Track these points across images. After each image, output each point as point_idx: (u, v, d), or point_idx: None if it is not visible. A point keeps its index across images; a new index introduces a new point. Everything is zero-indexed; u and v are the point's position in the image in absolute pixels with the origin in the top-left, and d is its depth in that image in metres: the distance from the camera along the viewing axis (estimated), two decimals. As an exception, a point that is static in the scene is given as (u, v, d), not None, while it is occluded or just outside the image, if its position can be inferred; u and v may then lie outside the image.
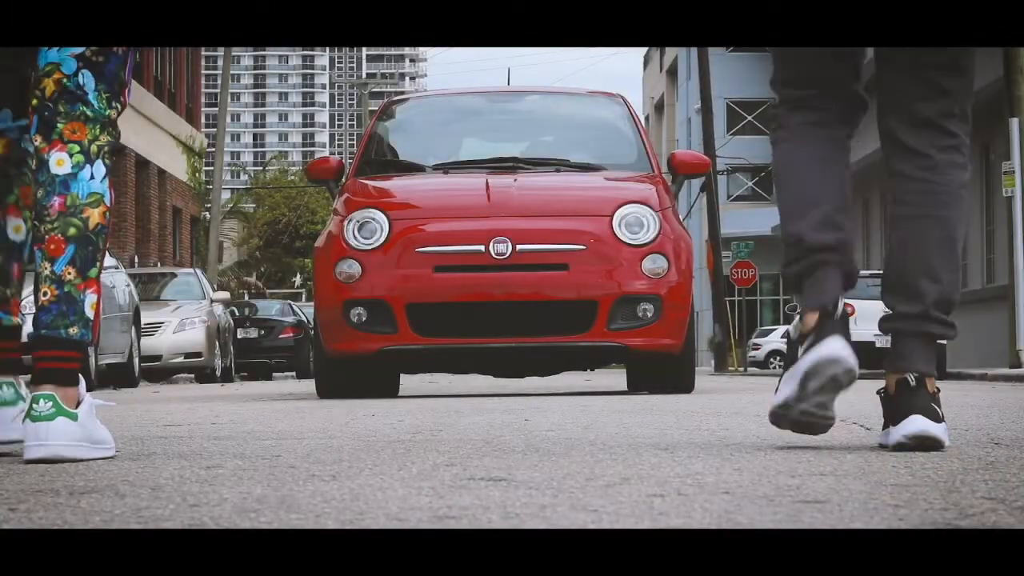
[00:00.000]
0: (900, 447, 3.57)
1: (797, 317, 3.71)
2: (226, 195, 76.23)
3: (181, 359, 23.55)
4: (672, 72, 70.79)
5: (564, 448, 3.89)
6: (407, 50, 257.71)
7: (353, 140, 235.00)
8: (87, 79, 3.65)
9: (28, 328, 3.69)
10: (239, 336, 30.72)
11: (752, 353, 46.50)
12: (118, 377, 18.38)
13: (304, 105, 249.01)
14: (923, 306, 3.70)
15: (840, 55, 3.85)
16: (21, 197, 3.81)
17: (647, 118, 74.13)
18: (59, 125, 3.62)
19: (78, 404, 3.53)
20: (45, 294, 3.60)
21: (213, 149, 44.39)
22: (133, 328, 18.80)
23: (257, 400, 10.02)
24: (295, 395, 11.46)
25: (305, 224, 77.42)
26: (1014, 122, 22.47)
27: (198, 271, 27.46)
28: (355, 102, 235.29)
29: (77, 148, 3.61)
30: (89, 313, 3.61)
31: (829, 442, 4.03)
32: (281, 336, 32.99)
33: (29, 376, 3.65)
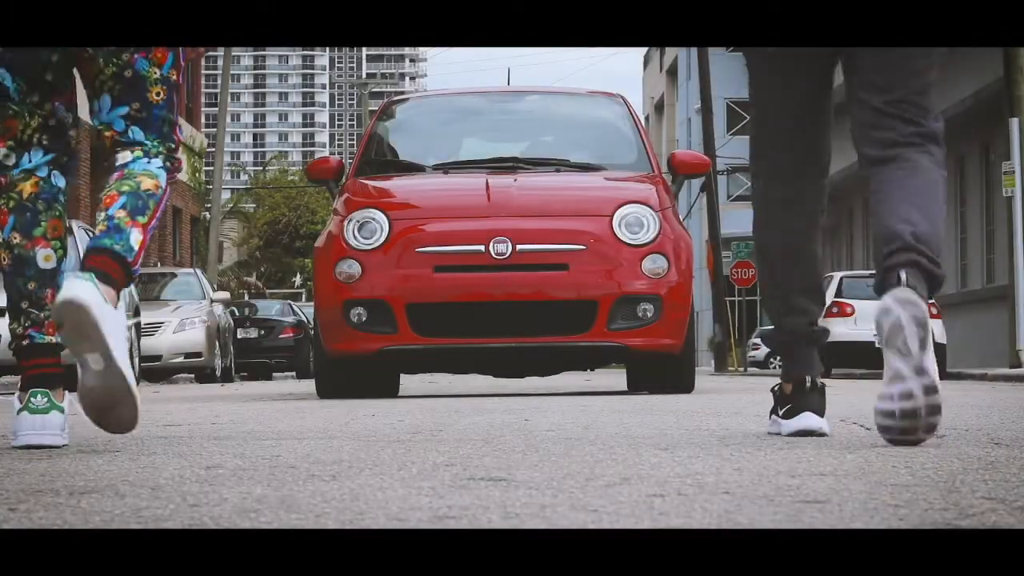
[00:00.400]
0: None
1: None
2: (226, 195, 76.18)
3: (181, 359, 23.54)
4: (672, 72, 70.79)
5: (564, 448, 3.89)
6: (407, 50, 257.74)
7: (353, 140, 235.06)
8: (136, 133, 4.19)
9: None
10: (239, 336, 30.72)
11: (752, 353, 46.50)
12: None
13: (304, 105, 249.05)
14: (928, 251, 3.91)
15: (815, 122, 4.21)
16: (49, 230, 4.18)
17: (647, 118, 74.13)
18: (119, 149, 4.18)
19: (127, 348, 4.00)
20: (98, 230, 3.99)
21: (213, 149, 44.38)
22: (133, 328, 18.81)
23: (257, 400, 10.02)
24: (295, 395, 11.46)
25: (305, 224, 77.42)
26: (1014, 122, 22.47)
27: (198, 271, 27.46)
28: (355, 102, 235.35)
29: (142, 152, 4.17)
30: (134, 244, 3.98)
31: (829, 442, 4.03)
32: (281, 336, 32.99)
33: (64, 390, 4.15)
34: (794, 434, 4.20)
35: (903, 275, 3.85)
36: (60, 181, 4.23)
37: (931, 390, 3.77)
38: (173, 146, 4.23)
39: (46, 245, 4.20)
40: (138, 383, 19.05)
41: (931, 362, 3.79)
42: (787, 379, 4.24)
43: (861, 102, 4.09)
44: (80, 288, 3.76)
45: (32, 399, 4.05)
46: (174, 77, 4.26)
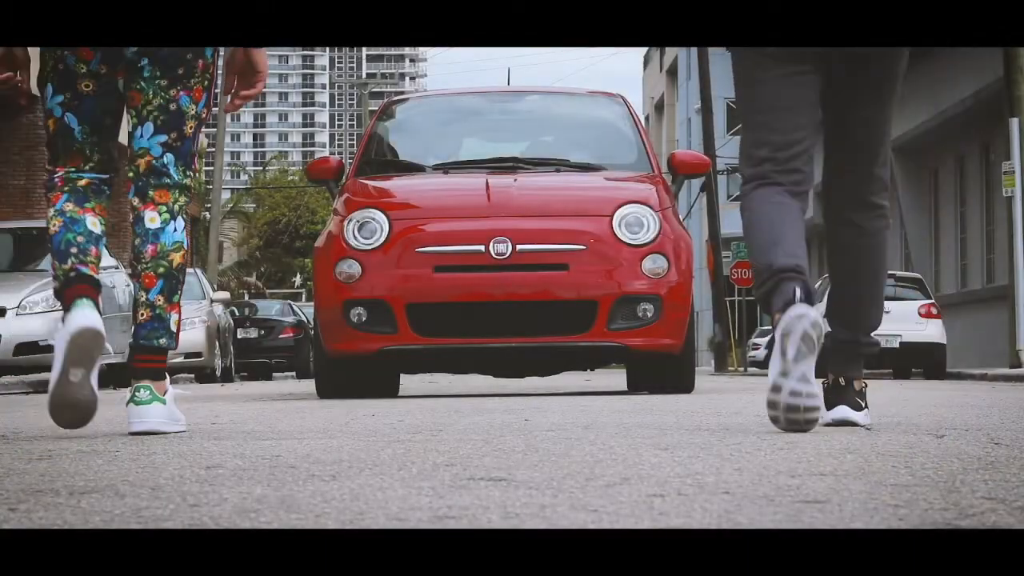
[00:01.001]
0: (827, 425, 4.83)
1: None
2: (226, 195, 76.18)
3: (181, 359, 23.54)
4: (672, 72, 70.79)
5: (564, 448, 3.89)
6: (407, 50, 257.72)
7: (353, 140, 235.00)
8: (169, 159, 4.94)
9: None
10: (239, 336, 30.72)
11: (752, 353, 46.48)
12: (119, 377, 18.37)
13: (304, 105, 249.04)
14: (858, 333, 5.00)
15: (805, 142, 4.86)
16: (97, 208, 4.98)
17: (647, 118, 74.12)
18: (150, 192, 4.93)
19: (165, 392, 4.93)
20: (142, 315, 4.97)
21: (213, 149, 44.26)
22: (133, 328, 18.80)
23: (257, 400, 10.02)
24: (295, 395, 11.46)
25: (305, 224, 77.43)
26: (1014, 122, 22.47)
27: (198, 271, 27.45)
28: (355, 102, 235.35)
29: (164, 208, 4.93)
30: (173, 328, 4.99)
31: (829, 442, 4.03)
32: (281, 336, 32.99)
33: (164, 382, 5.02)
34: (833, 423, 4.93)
35: (838, 358, 5.01)
36: (107, 189, 5.04)
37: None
38: (192, 178, 5.04)
39: (94, 214, 4.93)
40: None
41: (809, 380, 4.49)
42: (779, 310, 4.59)
43: (831, 176, 5.07)
44: (148, 415, 4.87)
45: (137, 392, 4.88)
46: (204, 115, 4.95)
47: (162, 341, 4.95)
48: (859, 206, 4.99)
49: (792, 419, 4.41)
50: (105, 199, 5.00)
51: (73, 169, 4.96)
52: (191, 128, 4.93)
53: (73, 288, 4.75)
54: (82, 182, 4.97)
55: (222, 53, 4.96)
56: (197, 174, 5.08)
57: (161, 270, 4.93)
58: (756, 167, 4.80)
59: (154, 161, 4.92)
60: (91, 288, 4.78)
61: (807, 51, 4.59)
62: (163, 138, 4.91)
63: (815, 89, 4.75)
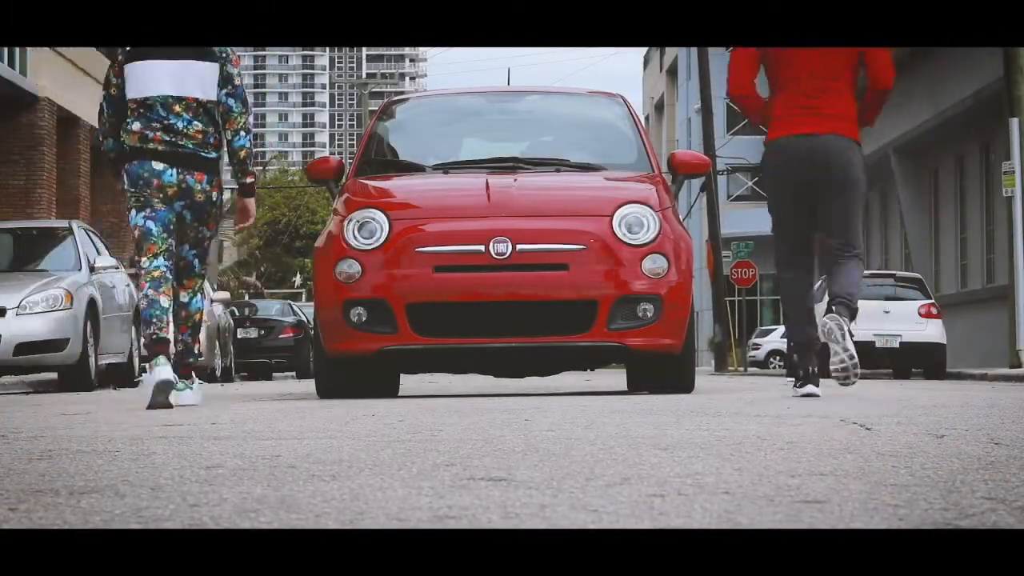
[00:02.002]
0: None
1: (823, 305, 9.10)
2: (226, 195, 76.14)
3: (181, 359, 23.51)
4: (672, 72, 70.80)
5: (564, 448, 3.89)
6: (407, 50, 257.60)
7: (353, 140, 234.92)
8: (195, 262, 8.69)
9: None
10: (239, 336, 30.72)
11: (752, 353, 46.50)
12: (118, 377, 18.37)
13: (304, 105, 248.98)
14: (851, 301, 8.62)
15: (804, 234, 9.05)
16: (167, 291, 8.34)
17: (647, 118, 74.12)
18: (184, 280, 8.66)
19: (195, 383, 8.61)
20: (179, 347, 8.63)
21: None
22: (133, 328, 18.80)
23: (257, 400, 10.02)
24: (295, 395, 11.46)
25: (305, 224, 77.40)
26: (1014, 122, 22.48)
27: (198, 271, 27.40)
28: (355, 102, 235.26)
29: (191, 290, 8.71)
30: (196, 351, 8.75)
31: (829, 442, 4.03)
32: (281, 336, 32.98)
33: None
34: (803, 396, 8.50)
35: (834, 308, 8.52)
36: (170, 274, 8.35)
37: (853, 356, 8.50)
38: (206, 269, 8.92)
39: (167, 296, 8.29)
40: (138, 383, 19.05)
41: (850, 344, 8.47)
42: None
43: (824, 239, 8.83)
44: (184, 396, 8.43)
45: (177, 386, 8.18)
46: (214, 234, 8.80)
47: (190, 360, 8.72)
48: (841, 248, 8.83)
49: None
50: (169, 283, 8.31)
51: (151, 258, 8.31)
52: (207, 244, 8.75)
53: (155, 347, 8.09)
54: (156, 272, 8.30)
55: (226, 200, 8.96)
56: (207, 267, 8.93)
57: (190, 323, 8.73)
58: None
59: (187, 263, 8.66)
60: (165, 346, 8.11)
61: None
62: (193, 251, 8.67)
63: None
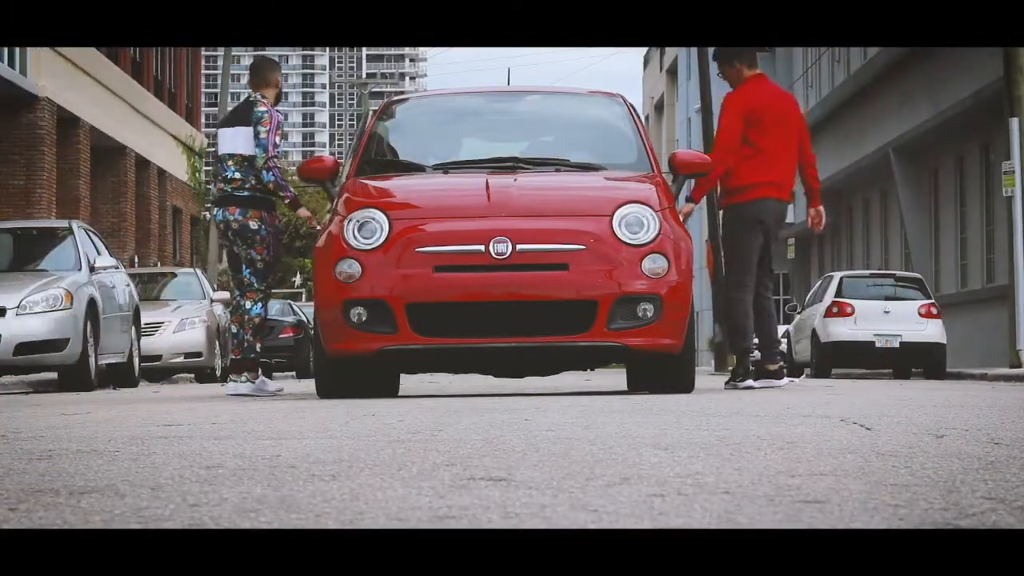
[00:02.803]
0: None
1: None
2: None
3: (181, 359, 23.55)
4: (672, 72, 70.79)
5: (564, 448, 3.89)
6: (407, 50, 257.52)
7: (353, 140, 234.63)
8: (252, 279, 11.65)
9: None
10: (239, 336, 30.64)
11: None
12: (118, 377, 18.37)
13: (304, 105, 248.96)
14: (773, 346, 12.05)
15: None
16: (240, 318, 11.65)
17: (647, 118, 74.10)
18: (247, 292, 11.64)
19: (257, 379, 11.52)
20: (243, 344, 11.69)
21: (213, 149, 44.25)
22: (133, 328, 18.81)
23: (257, 400, 10.01)
24: (295, 395, 11.46)
25: (305, 224, 77.40)
26: (1014, 122, 22.48)
27: (198, 271, 27.45)
28: (355, 102, 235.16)
29: (252, 300, 11.61)
30: (258, 348, 11.67)
31: (829, 442, 4.03)
32: (281, 336, 32.97)
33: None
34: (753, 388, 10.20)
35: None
36: (239, 300, 11.66)
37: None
38: (265, 282, 11.63)
39: (235, 323, 11.60)
40: (138, 383, 19.07)
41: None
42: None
43: (759, 292, 12.08)
44: (240, 388, 11.41)
45: (234, 380, 11.17)
46: (265, 256, 11.49)
47: (252, 356, 11.46)
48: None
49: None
50: (237, 310, 11.67)
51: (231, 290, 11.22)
52: (259, 264, 11.55)
53: (252, 370, 11.40)
54: (233, 303, 11.74)
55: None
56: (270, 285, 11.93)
57: (250, 325, 11.52)
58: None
59: (247, 280, 11.56)
60: (254, 371, 11.41)
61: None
62: (250, 270, 11.53)
63: None
